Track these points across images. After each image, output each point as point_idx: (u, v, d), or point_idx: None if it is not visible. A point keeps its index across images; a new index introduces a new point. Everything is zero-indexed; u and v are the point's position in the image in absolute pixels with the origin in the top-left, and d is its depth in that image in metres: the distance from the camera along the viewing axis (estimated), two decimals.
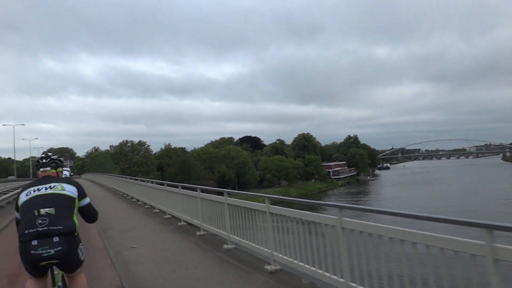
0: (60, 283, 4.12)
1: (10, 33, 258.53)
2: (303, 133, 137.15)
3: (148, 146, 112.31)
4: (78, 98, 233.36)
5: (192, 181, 75.07)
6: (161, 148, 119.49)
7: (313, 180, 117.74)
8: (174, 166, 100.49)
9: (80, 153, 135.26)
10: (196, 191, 10.37)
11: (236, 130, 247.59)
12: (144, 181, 17.95)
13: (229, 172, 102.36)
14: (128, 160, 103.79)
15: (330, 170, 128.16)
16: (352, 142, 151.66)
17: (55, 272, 4.03)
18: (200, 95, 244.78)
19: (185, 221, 11.73)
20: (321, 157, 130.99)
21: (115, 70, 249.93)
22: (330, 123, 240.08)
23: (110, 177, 35.88)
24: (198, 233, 10.18)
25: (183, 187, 11.94)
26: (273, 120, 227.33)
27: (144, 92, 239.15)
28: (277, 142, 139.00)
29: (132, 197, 20.60)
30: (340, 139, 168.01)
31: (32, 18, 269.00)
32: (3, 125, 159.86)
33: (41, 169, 4.12)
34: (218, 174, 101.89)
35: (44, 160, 4.16)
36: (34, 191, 3.80)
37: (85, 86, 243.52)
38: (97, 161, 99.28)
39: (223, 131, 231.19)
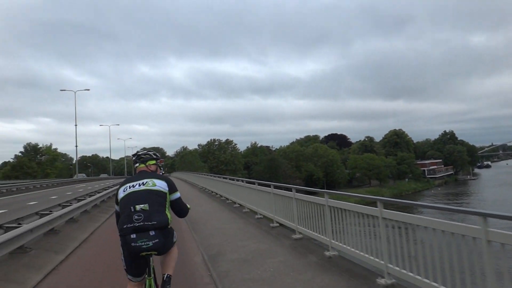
0: (153, 274, 4.11)
1: (109, 43, 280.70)
2: (395, 129, 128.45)
3: (235, 144, 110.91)
4: (168, 101, 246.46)
5: (280, 180, 71.35)
6: (247, 147, 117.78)
7: (407, 179, 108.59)
8: (261, 165, 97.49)
9: (170, 152, 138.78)
10: (377, 207, 5.86)
11: (320, 128, 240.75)
12: (252, 183, 13.74)
13: (317, 170, 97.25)
14: (216, 158, 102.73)
15: (425, 168, 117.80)
16: (448, 138, 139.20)
17: (150, 263, 4.03)
18: (283, 93, 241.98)
19: (335, 249, 7.33)
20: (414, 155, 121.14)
21: (202, 73, 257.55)
22: (420, 119, 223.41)
23: (202, 176, 32.88)
24: (380, 281, 5.66)
25: (331, 196, 7.58)
26: (358, 117, 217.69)
27: (229, 93, 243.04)
28: (366, 139, 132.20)
29: (234, 202, 16.68)
30: (431, 135, 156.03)
31: (128, 28, 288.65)
32: (100, 125, 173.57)
33: (134, 166, 4.44)
34: (305, 173, 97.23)
35: (134, 158, 4.48)
36: (129, 187, 4.02)
37: (175, 89, 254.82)
38: (187, 160, 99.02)
39: (306, 129, 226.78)
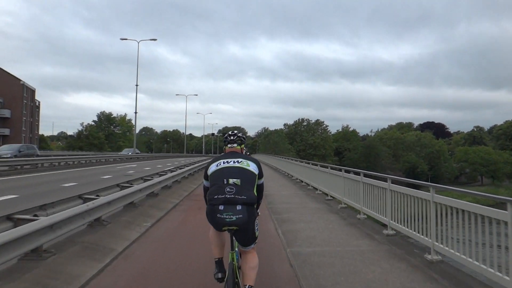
0: (237, 249, 4.48)
1: (203, 22, 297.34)
2: None
3: (326, 126, 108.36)
4: (255, 82, 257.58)
5: (377, 171, 68.93)
6: (337, 130, 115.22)
7: None
8: (355, 152, 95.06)
9: (251, 133, 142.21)
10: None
11: (408, 116, 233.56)
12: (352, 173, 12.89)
13: (420, 162, 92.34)
14: (304, 141, 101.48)
15: None
16: None
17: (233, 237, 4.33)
18: (373, 78, 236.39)
19: (439, 253, 6.48)
20: None
21: (290, 54, 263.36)
22: None
23: (301, 164, 22.89)
24: None
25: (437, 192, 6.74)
26: (451, 106, 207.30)
27: (316, 76, 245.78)
28: (475, 129, 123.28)
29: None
30: None
31: (222, 7, 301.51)
32: (176, 94, 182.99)
33: (229, 145, 4.73)
34: (406, 164, 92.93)
35: (231, 138, 4.76)
36: (223, 162, 4.41)
37: (262, 69, 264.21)
38: (271, 140, 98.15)
39: (393, 117, 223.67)
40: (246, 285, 4.21)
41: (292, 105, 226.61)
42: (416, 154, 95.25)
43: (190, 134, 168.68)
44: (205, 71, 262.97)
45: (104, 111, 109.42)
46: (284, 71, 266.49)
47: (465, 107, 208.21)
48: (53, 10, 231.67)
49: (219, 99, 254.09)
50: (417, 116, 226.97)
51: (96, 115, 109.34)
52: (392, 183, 8.65)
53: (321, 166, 16.62)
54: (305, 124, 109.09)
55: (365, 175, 10.58)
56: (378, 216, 9.36)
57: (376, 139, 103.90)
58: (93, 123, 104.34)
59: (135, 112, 57.82)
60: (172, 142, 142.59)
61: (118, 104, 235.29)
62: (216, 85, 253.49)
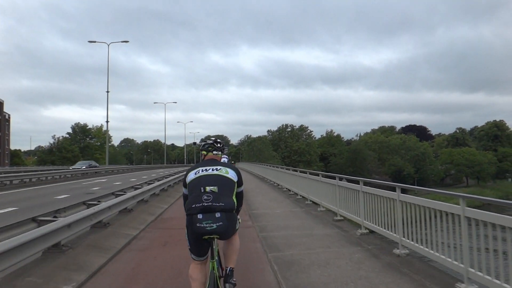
0: (217, 257, 4.28)
1: (185, 31, 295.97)
2: (495, 121, 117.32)
3: (310, 131, 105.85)
4: (237, 90, 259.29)
5: (365, 176, 65.99)
6: (321, 135, 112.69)
7: (510, 179, 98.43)
8: (341, 156, 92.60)
9: (234, 141, 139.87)
10: None
11: (390, 120, 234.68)
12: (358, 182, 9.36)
13: (406, 165, 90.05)
14: (288, 147, 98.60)
15: None
16: None
17: (214, 246, 4.17)
18: (354, 84, 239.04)
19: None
20: None
21: (273, 61, 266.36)
22: (502, 113, 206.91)
23: (294, 174, 18.12)
24: None
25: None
26: (431, 110, 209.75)
27: (298, 82, 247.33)
28: (458, 131, 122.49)
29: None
30: None
31: (203, 15, 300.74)
32: (155, 103, 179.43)
33: (207, 152, 4.60)
34: (391, 168, 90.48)
35: (207, 145, 4.65)
36: (202, 171, 4.26)
37: (244, 77, 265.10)
38: (255, 147, 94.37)
39: (374, 121, 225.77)
40: (227, 268, 4.21)
41: (274, 112, 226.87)
42: (401, 157, 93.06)
43: (172, 144, 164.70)
44: (187, 80, 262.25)
45: (78, 123, 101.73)
46: (266, 79, 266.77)
47: (444, 110, 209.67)
48: (29, 21, 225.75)
49: (201, 108, 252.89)
50: (398, 119, 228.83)
51: (71, 127, 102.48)
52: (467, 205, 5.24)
53: (324, 176, 12.75)
54: (289, 130, 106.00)
55: (403, 191, 7.08)
56: (438, 256, 5.84)
57: (361, 143, 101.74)
58: (67, 135, 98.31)
59: (107, 121, 55.26)
60: (153, 153, 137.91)
61: (98, 116, 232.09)
62: (198, 94, 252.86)
